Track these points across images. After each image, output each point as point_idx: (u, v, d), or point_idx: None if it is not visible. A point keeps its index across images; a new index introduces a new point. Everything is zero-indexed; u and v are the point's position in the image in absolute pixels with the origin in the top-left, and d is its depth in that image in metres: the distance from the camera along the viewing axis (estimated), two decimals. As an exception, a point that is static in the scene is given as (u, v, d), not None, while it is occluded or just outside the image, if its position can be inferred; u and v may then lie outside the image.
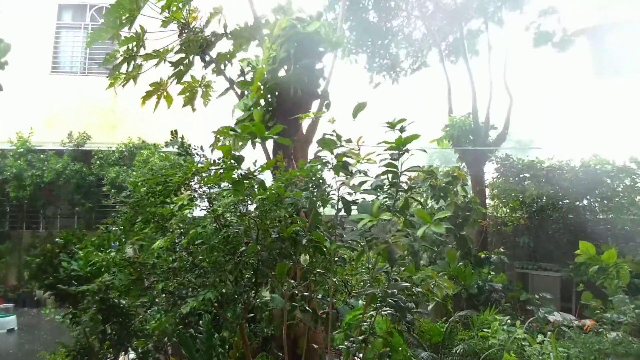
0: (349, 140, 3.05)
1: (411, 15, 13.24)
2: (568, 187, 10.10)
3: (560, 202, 10.48)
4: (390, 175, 2.97)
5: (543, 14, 12.33)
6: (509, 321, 5.18)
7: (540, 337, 4.59)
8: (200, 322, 4.42)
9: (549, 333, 4.76)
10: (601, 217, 10.22)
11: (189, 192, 2.89)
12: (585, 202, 10.40)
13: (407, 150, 2.83)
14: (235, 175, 2.72)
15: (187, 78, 5.48)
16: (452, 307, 6.26)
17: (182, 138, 3.60)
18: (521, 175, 11.09)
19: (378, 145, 3.17)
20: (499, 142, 11.53)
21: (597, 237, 9.46)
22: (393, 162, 2.90)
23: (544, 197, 10.47)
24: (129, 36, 5.07)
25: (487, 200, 11.53)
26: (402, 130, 2.94)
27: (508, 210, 11.17)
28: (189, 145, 3.44)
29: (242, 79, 5.13)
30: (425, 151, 3.05)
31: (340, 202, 2.88)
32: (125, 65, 5.12)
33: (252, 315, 4.40)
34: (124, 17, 4.76)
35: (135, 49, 5.06)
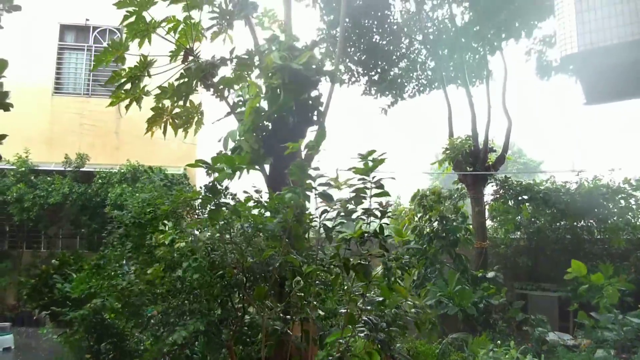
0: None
1: (414, 40, 13.41)
2: (564, 209, 10.19)
3: (557, 224, 10.54)
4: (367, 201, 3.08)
5: (543, 42, 12.44)
6: (498, 342, 5.20)
7: (529, 357, 4.62)
8: (196, 343, 4.47)
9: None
10: (598, 237, 10.26)
11: (174, 227, 2.98)
12: (582, 222, 10.45)
13: (371, 181, 2.93)
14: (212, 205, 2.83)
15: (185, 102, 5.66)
16: (446, 329, 6.27)
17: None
18: (519, 198, 11.15)
19: (348, 170, 3.26)
20: (498, 164, 11.61)
21: (594, 257, 9.51)
22: (363, 188, 3.02)
23: (542, 219, 10.53)
24: (134, 66, 5.26)
25: (488, 222, 11.57)
26: (373, 161, 3.06)
27: (504, 232, 11.26)
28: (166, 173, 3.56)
29: (241, 105, 5.28)
30: (394, 178, 3.16)
31: (322, 229, 2.99)
32: (129, 85, 5.29)
33: (247, 337, 4.45)
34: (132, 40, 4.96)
35: (140, 70, 5.23)
